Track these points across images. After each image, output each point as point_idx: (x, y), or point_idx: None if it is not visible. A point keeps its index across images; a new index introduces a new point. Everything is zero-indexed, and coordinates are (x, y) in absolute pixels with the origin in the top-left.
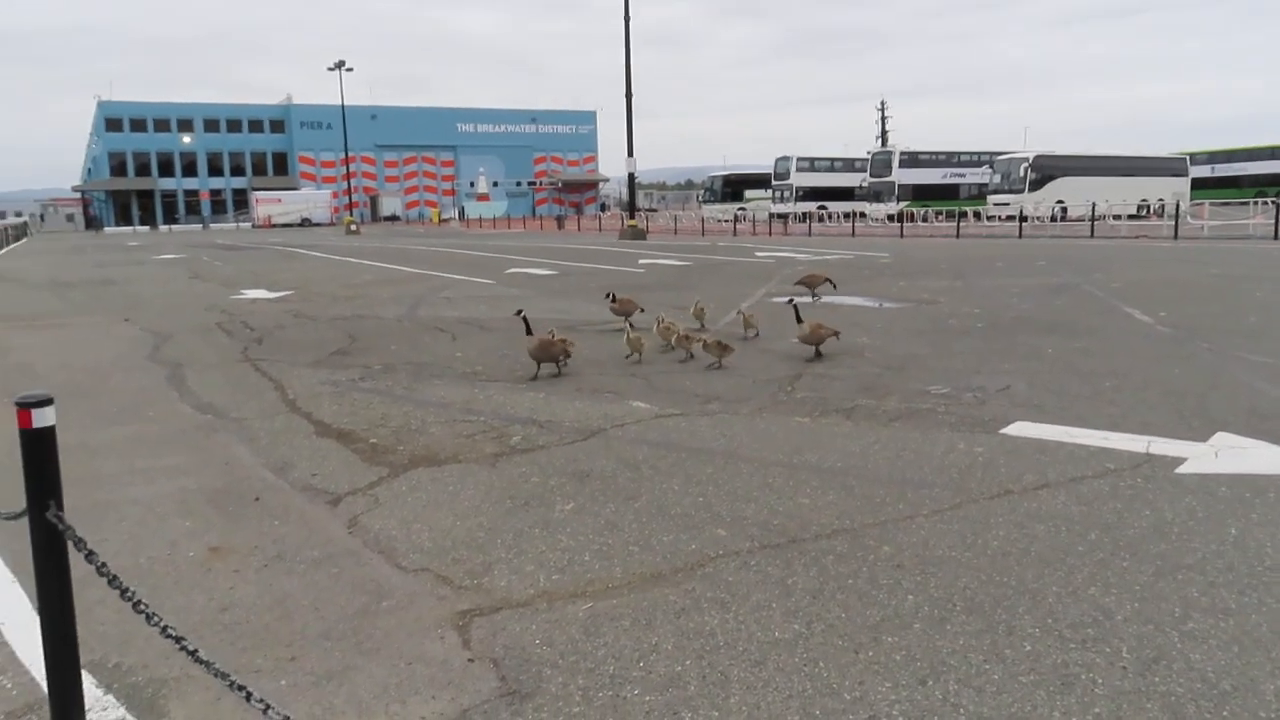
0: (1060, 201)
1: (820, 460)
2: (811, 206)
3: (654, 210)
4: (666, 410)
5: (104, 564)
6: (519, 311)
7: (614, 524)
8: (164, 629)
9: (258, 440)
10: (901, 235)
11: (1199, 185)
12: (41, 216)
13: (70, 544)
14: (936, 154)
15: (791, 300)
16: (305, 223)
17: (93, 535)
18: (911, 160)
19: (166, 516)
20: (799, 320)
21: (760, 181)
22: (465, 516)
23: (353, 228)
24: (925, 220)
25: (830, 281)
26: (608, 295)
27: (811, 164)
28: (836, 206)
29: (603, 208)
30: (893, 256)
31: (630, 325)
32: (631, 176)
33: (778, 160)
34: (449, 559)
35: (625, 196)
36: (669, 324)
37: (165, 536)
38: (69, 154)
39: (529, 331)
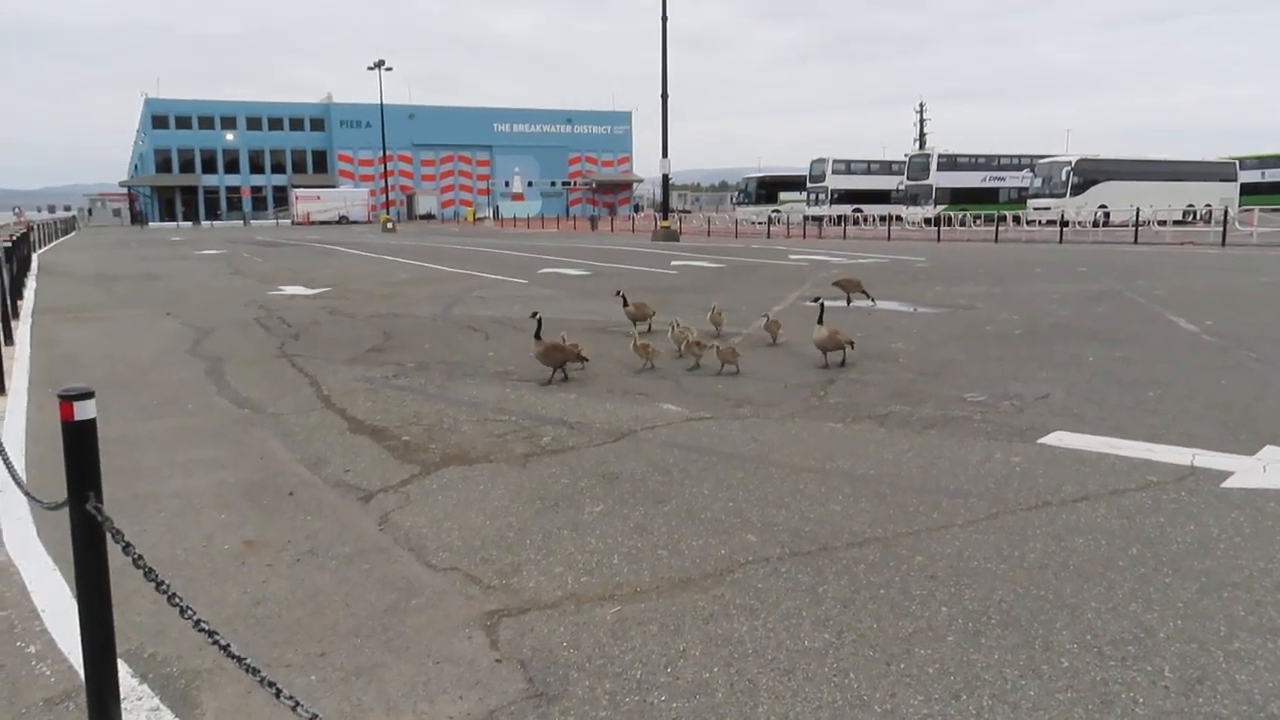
0: (1103, 206)
1: (853, 467)
2: (847, 209)
3: (688, 212)
4: (697, 413)
5: (140, 556)
6: (534, 314)
7: (643, 527)
8: (197, 623)
9: (293, 435)
10: (939, 239)
11: (1249, 190)
12: (89, 211)
13: (109, 535)
14: (975, 157)
15: (819, 299)
16: (343, 220)
17: (131, 527)
18: (950, 163)
19: (203, 509)
20: (820, 322)
21: (795, 184)
22: (495, 516)
23: (389, 226)
24: (963, 224)
25: (866, 293)
26: (618, 294)
27: (848, 166)
28: (872, 209)
29: (636, 208)
30: (929, 261)
31: (636, 333)
32: (665, 178)
33: (813, 162)
34: (478, 558)
35: (659, 198)
36: (683, 329)
37: (201, 529)
38: (118, 150)
39: (539, 335)
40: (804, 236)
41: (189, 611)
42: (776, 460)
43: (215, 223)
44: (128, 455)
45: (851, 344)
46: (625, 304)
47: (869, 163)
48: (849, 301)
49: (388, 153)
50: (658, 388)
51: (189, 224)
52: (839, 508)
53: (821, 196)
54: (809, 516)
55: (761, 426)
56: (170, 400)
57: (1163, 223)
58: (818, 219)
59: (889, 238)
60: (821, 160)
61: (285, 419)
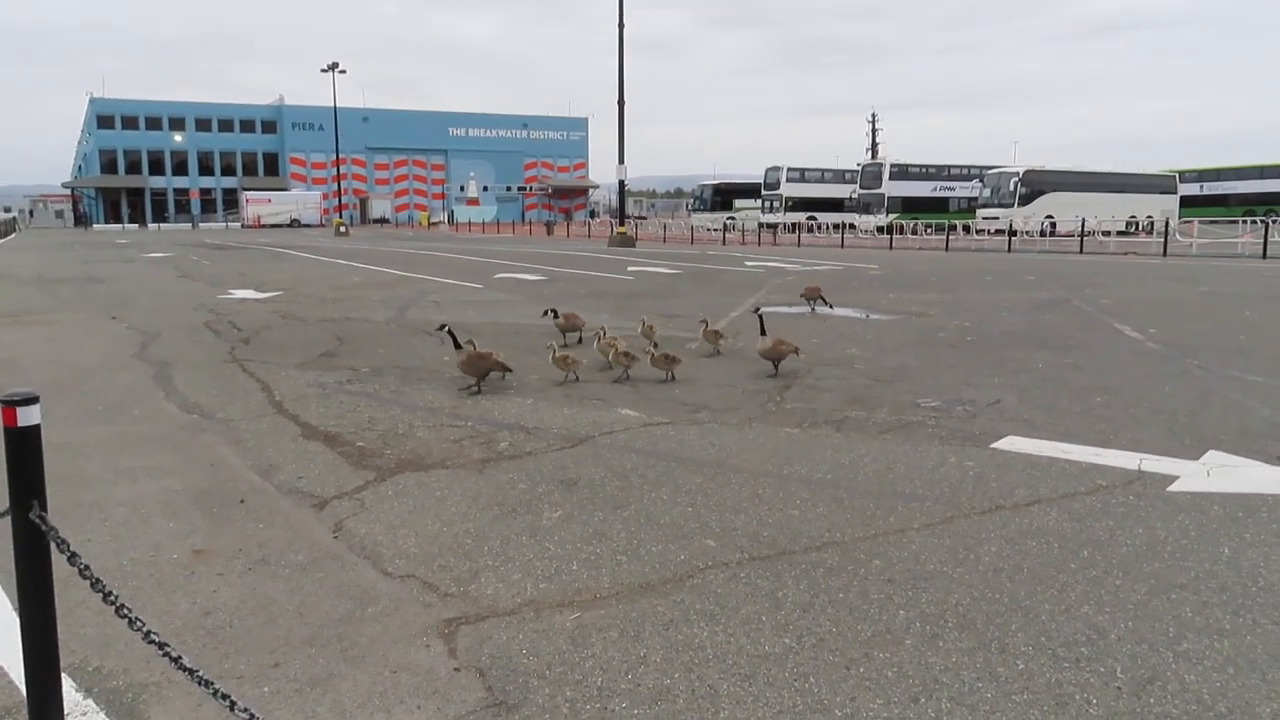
0: (1050, 217)
1: (810, 472)
2: (801, 217)
3: (643, 218)
4: (655, 419)
5: (86, 566)
6: (442, 326)
7: (602, 533)
8: (146, 634)
9: (244, 442)
10: (891, 247)
11: (1188, 203)
12: (30, 212)
13: (53, 545)
14: (927, 167)
15: (758, 310)
16: (295, 223)
17: (76, 536)
18: (902, 173)
19: (150, 518)
20: (762, 333)
21: (750, 191)
22: (452, 522)
23: (342, 229)
24: (915, 233)
25: (824, 299)
26: (547, 312)
27: (802, 174)
28: (826, 217)
29: (592, 214)
30: (882, 268)
31: (556, 345)
32: (622, 184)
33: (768, 170)
34: (435, 565)
35: (615, 203)
36: (610, 340)
37: (149, 538)
38: (61, 151)
39: (456, 345)
40: (759, 244)
41: (137, 622)
42: (734, 465)
43: (162, 225)
44: (72, 462)
45: (797, 351)
46: (555, 316)
47: (823, 171)
48: (813, 309)
49: (341, 155)
50: (615, 393)
51: (135, 226)
52: (797, 512)
53: (776, 204)
54: (767, 521)
55: (719, 431)
56: (116, 406)
57: (1107, 233)
58: (772, 226)
59: (843, 245)
60: (776, 168)
61: (236, 425)
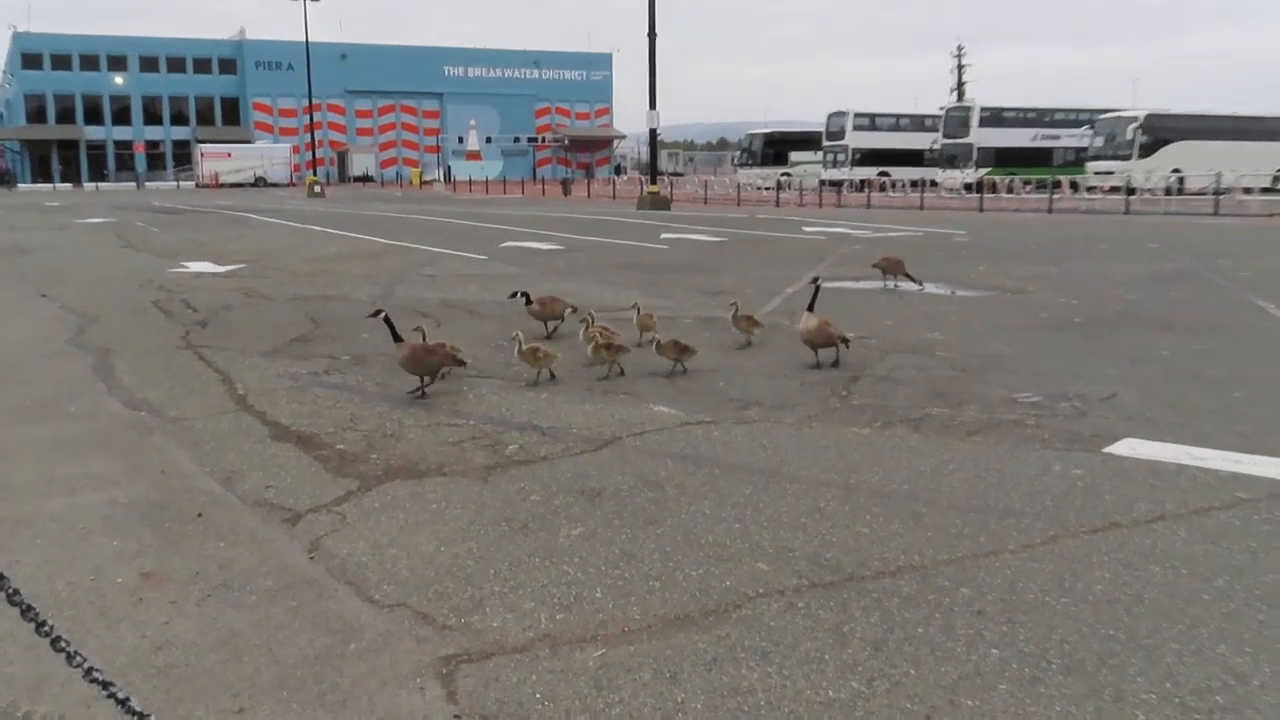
0: (1176, 171)
1: (883, 481)
2: (871, 173)
3: (680, 175)
4: (696, 416)
5: (15, 591)
6: (378, 312)
7: (631, 554)
8: (88, 671)
9: (201, 444)
10: (981, 209)
11: None
12: None
13: None
14: (1025, 111)
15: (815, 280)
16: (260, 182)
17: (2, 556)
18: (994, 118)
19: (90, 535)
20: (810, 309)
21: (809, 142)
22: (451, 541)
23: (317, 189)
24: (1010, 191)
25: (910, 275)
26: (515, 294)
27: (872, 121)
28: (902, 173)
29: (618, 170)
30: (970, 235)
31: (521, 336)
32: (653, 133)
33: (831, 116)
34: (431, 592)
35: (645, 157)
36: (599, 329)
37: (89, 559)
38: None
39: (396, 337)
40: (820, 205)
41: (77, 657)
42: (791, 473)
43: (101, 185)
44: None
45: (845, 341)
46: (528, 302)
47: (897, 117)
48: (894, 285)
49: (315, 101)
50: (648, 386)
51: (68, 186)
52: (867, 530)
53: (841, 157)
54: (831, 541)
55: (773, 432)
56: (48, 401)
57: (1248, 190)
58: (836, 184)
59: (921, 206)
60: (841, 114)
61: (192, 424)
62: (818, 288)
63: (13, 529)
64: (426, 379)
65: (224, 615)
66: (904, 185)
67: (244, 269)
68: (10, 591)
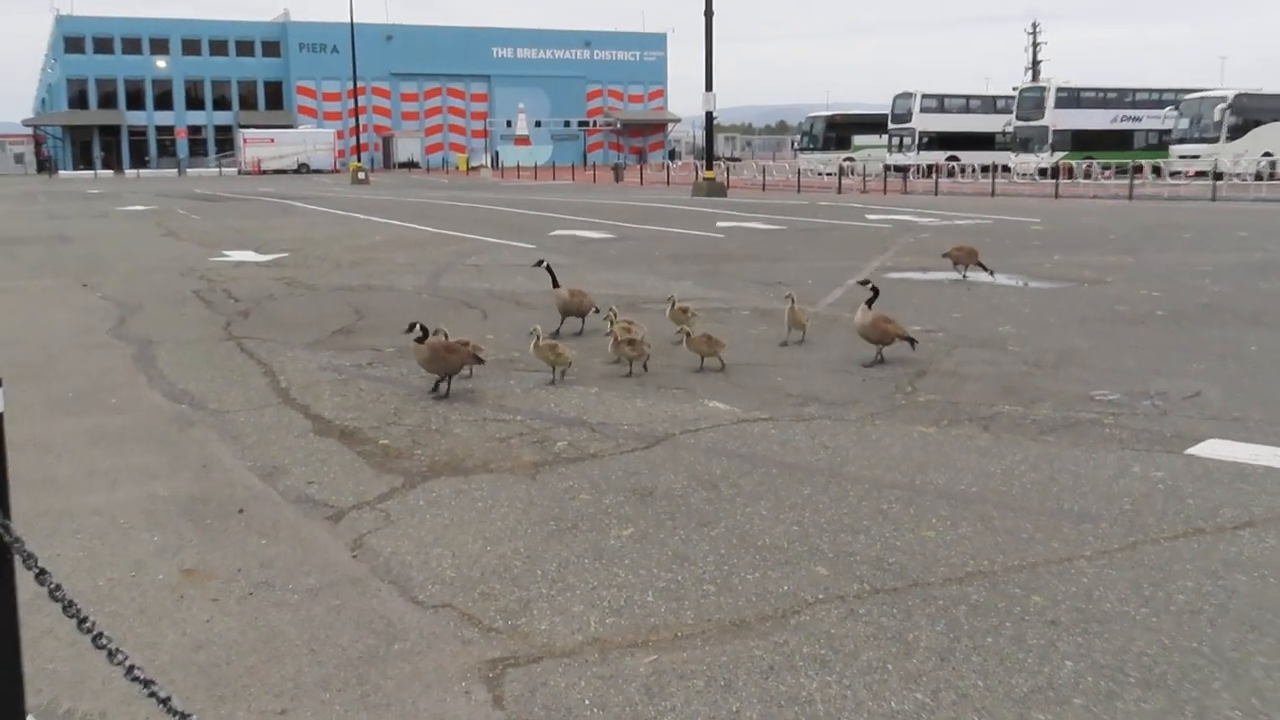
0: (1268, 154)
1: (950, 483)
2: (939, 157)
3: (737, 160)
4: (752, 413)
5: (58, 586)
6: (541, 262)
7: (684, 556)
8: (129, 669)
9: (243, 438)
10: (1056, 195)
11: None
12: None
13: (18, 560)
14: (1104, 92)
15: (868, 282)
16: (303, 169)
17: (43, 550)
18: (1071, 99)
19: (131, 530)
20: (868, 304)
21: (874, 125)
22: (498, 540)
23: (361, 176)
24: (1088, 176)
25: (983, 265)
26: (541, 263)
27: (940, 103)
28: (972, 157)
29: (672, 155)
30: (1045, 223)
31: (540, 330)
32: (709, 116)
33: (897, 98)
34: (477, 593)
35: (700, 142)
36: (624, 324)
37: (130, 555)
38: (20, 82)
39: (422, 337)
40: (884, 191)
41: (118, 655)
42: (852, 473)
43: (143, 171)
44: (37, 462)
45: (912, 341)
46: (555, 283)
47: (968, 98)
48: (963, 275)
49: (359, 84)
50: (701, 380)
51: (109, 173)
52: (933, 534)
53: (907, 141)
54: (895, 544)
55: (833, 430)
56: (89, 393)
57: None
58: (902, 169)
59: (993, 193)
60: (907, 95)
61: (233, 417)
62: (874, 290)
63: (54, 523)
64: (442, 379)
65: (266, 614)
66: (974, 170)
67: (286, 258)
68: (52, 587)
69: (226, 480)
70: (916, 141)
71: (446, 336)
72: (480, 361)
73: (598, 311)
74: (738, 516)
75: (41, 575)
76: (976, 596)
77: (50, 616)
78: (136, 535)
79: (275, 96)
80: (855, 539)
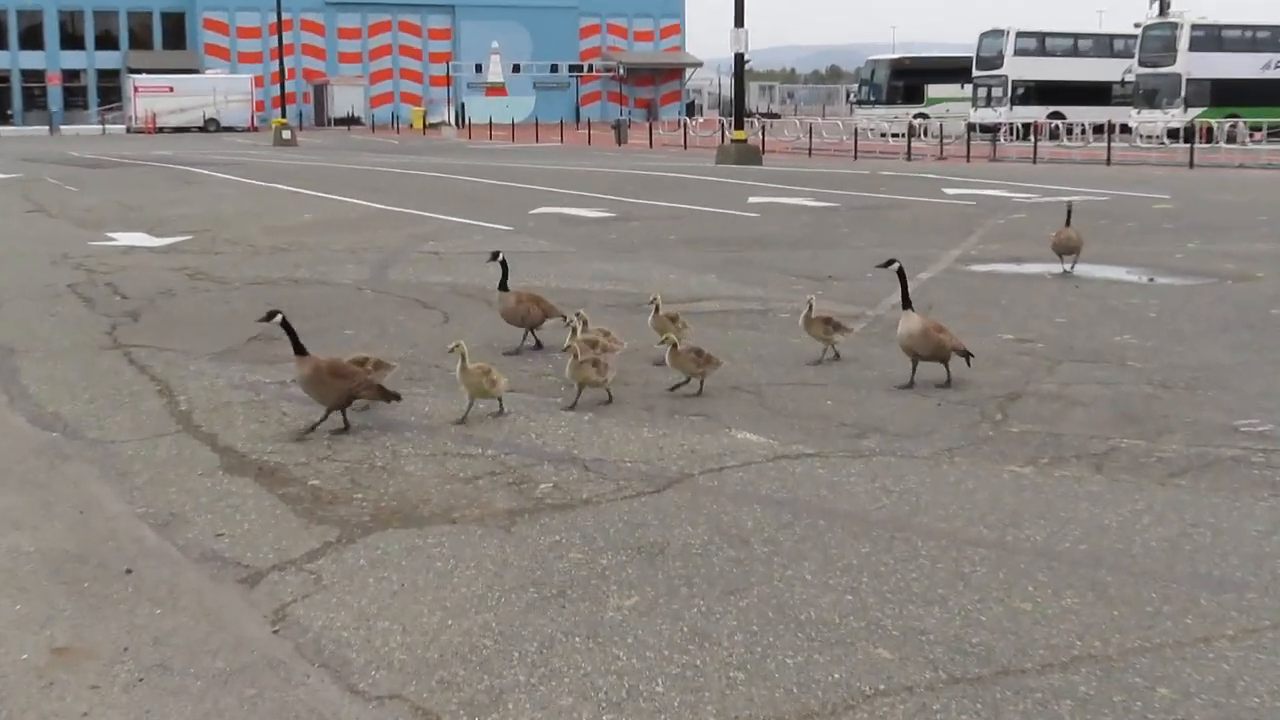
0: None
1: (1051, 539)
2: (1038, 113)
3: (775, 116)
4: (793, 446)
5: None
6: (274, 314)
7: (704, 633)
8: None
9: (131, 476)
10: (1191, 164)
11: None
12: None
13: None
14: (1253, 30)
15: (892, 262)
16: (211, 125)
17: None
18: (1211, 40)
19: None
20: (905, 304)
21: (953, 72)
22: (462, 612)
23: (286, 135)
24: (1232, 140)
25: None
26: (495, 256)
27: (1040, 43)
28: (1080, 114)
29: (690, 110)
30: (1176, 200)
31: (464, 348)
32: (739, 59)
33: (984, 37)
34: (434, 680)
35: (728, 92)
36: (588, 338)
37: None
38: None
39: (298, 349)
40: (967, 158)
41: None
42: (924, 526)
43: (3, 129)
44: None
45: (967, 356)
46: (503, 285)
47: (1075, 37)
48: (1069, 269)
49: (285, 16)
50: (728, 404)
51: None
52: (1029, 606)
53: (997, 92)
54: (979, 620)
55: (900, 470)
56: None
57: None
58: (990, 129)
59: (1108, 161)
60: (997, 33)
61: (118, 449)
62: (901, 272)
63: None
64: (332, 411)
65: (160, 706)
66: (1083, 131)
67: (189, 242)
68: None
69: (110, 531)
70: (1009, 93)
71: (372, 365)
72: (391, 397)
73: (566, 321)
74: (774, 582)
75: None
76: (1085, 688)
77: None
78: None
79: (176, 32)
80: (927, 612)
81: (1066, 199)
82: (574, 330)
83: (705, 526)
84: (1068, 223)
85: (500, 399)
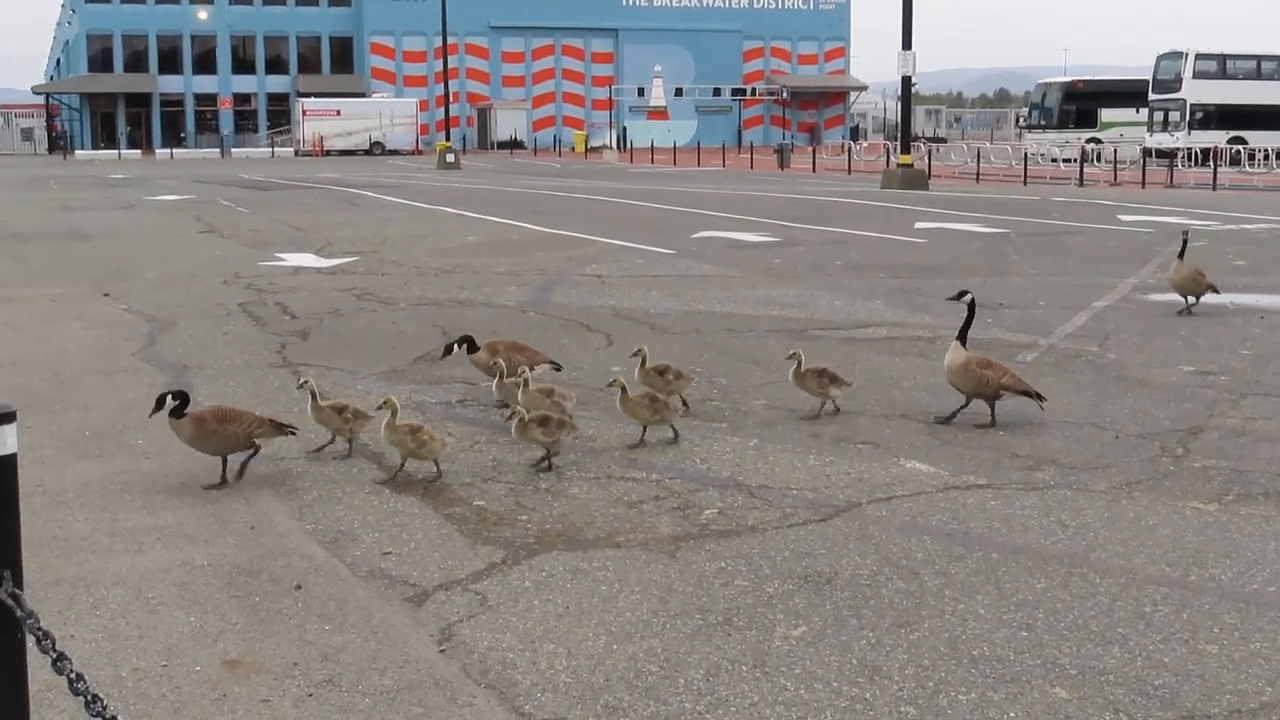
0: None
1: (1239, 580)
2: (1219, 138)
3: (942, 140)
4: (964, 477)
5: (79, 676)
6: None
7: (874, 666)
8: None
9: (301, 493)
10: None
11: None
12: None
13: (30, 638)
14: None
15: (964, 294)
16: (376, 148)
17: (56, 630)
18: None
19: (161, 607)
20: (961, 337)
21: (1128, 95)
22: (627, 637)
23: (450, 158)
24: None
25: (1213, 286)
26: (455, 346)
27: (1221, 66)
28: (1265, 139)
29: (854, 134)
30: None
31: (393, 414)
32: (906, 82)
33: (1161, 59)
34: (600, 705)
35: (893, 116)
36: (539, 390)
37: (160, 638)
38: (31, 40)
39: (158, 405)
40: (1142, 184)
41: None
42: (1103, 562)
43: (177, 151)
44: (47, 517)
45: (1041, 399)
46: (470, 348)
47: (1259, 59)
48: (1194, 302)
49: (450, 41)
50: (897, 433)
51: (136, 153)
52: (1215, 649)
53: (1174, 116)
54: (1162, 661)
55: (1074, 503)
56: (111, 431)
57: None
58: (1167, 154)
59: None
60: (1175, 55)
61: (287, 465)
62: (971, 304)
63: (69, 593)
64: (224, 457)
65: None
66: (1268, 157)
67: (356, 263)
68: (72, 677)
69: (280, 547)
70: (1187, 117)
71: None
72: (289, 430)
73: (555, 367)
74: (946, 615)
75: (60, 661)
76: None
77: (64, 712)
78: (168, 614)
79: (343, 56)
80: (1107, 652)
81: (1244, 226)
82: (518, 384)
83: (874, 557)
84: (1181, 255)
85: (438, 464)
